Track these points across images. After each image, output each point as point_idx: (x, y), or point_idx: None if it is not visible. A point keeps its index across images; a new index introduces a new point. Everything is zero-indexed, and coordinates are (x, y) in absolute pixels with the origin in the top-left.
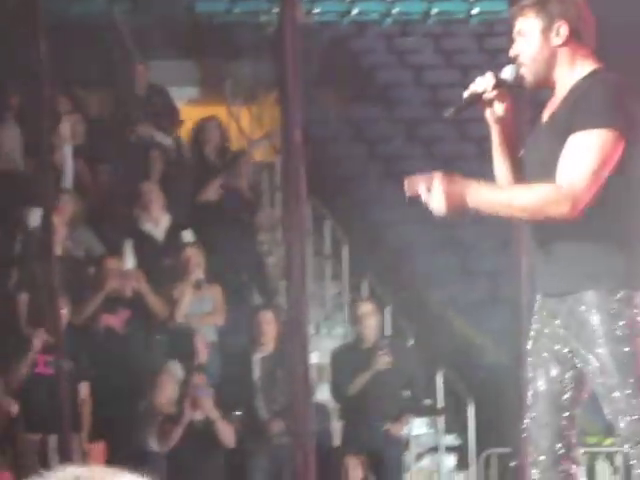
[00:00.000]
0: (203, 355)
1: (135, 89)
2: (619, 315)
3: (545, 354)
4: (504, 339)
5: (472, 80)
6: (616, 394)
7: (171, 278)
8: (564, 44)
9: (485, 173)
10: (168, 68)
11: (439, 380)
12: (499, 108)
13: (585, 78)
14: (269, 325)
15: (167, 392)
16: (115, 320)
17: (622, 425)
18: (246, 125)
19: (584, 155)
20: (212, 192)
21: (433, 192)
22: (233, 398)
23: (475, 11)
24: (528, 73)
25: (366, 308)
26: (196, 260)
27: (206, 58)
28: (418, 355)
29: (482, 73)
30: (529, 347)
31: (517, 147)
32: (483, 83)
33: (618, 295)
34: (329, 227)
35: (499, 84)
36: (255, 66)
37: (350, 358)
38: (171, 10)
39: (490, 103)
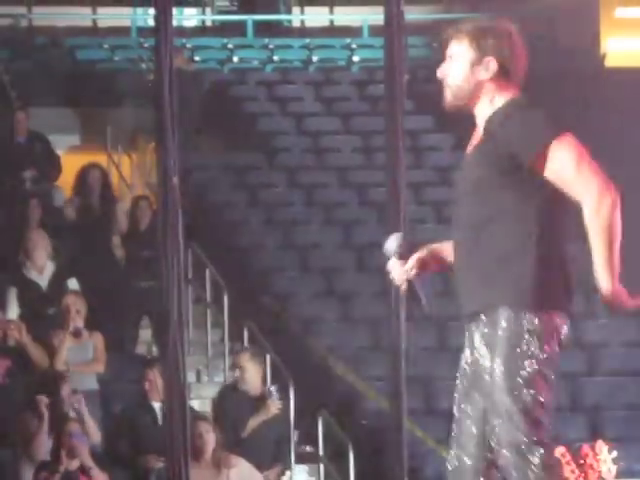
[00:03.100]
0: (72, 401)
1: (15, 136)
2: (522, 336)
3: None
4: (385, 386)
5: (353, 127)
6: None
7: (52, 326)
8: (490, 79)
9: (366, 220)
10: (49, 115)
11: (320, 427)
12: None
13: (502, 107)
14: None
15: (42, 440)
16: None
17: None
18: (127, 172)
19: (566, 166)
20: None
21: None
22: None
23: (356, 59)
24: (450, 95)
25: (245, 361)
26: (76, 308)
27: (87, 106)
28: (299, 402)
29: (362, 120)
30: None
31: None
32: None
33: (525, 316)
34: (210, 274)
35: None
36: (136, 113)
37: (236, 404)
38: (52, 58)
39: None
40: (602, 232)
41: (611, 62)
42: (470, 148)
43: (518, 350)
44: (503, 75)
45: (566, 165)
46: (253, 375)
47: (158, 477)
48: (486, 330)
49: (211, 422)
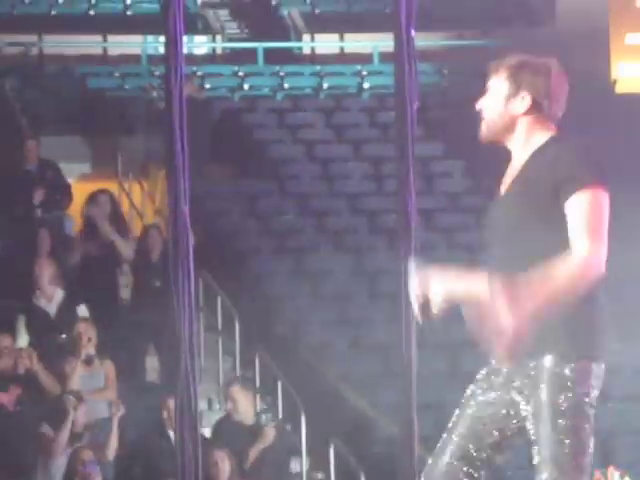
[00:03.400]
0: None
1: (25, 164)
2: (567, 383)
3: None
4: (396, 413)
5: (363, 154)
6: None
7: (62, 354)
8: (525, 114)
9: (377, 247)
10: (59, 144)
11: (331, 454)
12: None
13: (544, 146)
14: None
15: (62, 441)
16: (5, 398)
17: None
18: (138, 200)
19: (581, 219)
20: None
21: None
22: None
23: (366, 86)
24: (485, 128)
25: (236, 392)
26: (87, 335)
27: (98, 133)
28: (310, 429)
29: (373, 147)
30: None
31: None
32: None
33: (573, 364)
34: (221, 302)
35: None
36: (147, 141)
37: (234, 436)
38: (62, 86)
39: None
40: (554, 287)
41: (621, 88)
42: (506, 186)
43: (563, 398)
44: (537, 111)
45: (580, 216)
46: (245, 405)
47: None
48: (527, 379)
49: (226, 451)
